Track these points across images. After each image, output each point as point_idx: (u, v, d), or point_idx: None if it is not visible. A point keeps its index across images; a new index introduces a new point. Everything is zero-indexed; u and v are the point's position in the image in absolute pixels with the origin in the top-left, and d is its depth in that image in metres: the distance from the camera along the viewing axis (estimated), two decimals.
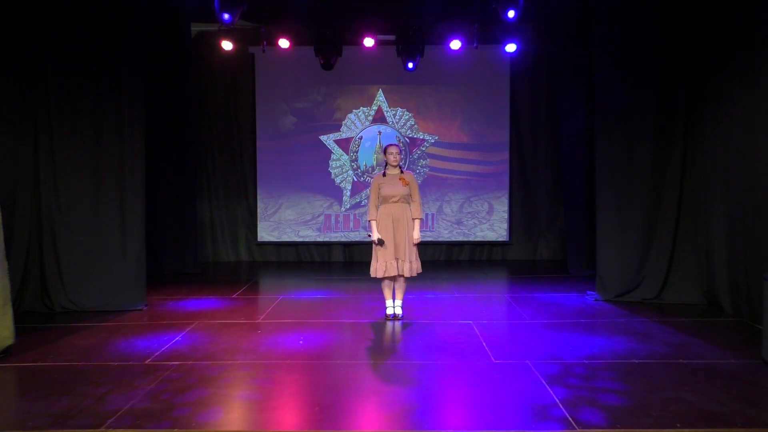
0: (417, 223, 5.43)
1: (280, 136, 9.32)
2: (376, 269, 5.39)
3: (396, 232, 5.36)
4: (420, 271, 5.47)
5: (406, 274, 5.39)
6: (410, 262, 5.37)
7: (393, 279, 5.52)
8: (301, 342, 4.84)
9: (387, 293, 5.58)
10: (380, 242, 5.34)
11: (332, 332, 5.14)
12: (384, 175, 5.48)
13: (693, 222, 6.13)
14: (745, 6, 5.26)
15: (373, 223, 5.42)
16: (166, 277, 7.89)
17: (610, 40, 6.19)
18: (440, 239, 9.37)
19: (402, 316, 5.55)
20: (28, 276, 5.87)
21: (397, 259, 5.36)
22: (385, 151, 5.52)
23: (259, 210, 9.38)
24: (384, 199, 5.42)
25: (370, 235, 5.45)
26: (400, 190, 5.39)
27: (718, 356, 4.37)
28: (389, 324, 5.41)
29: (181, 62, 8.26)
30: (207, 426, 3.25)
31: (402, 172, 5.49)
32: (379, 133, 9.34)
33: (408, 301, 5.98)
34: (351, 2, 7.75)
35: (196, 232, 8.79)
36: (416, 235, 5.42)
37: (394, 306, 5.58)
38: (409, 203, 5.46)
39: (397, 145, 5.51)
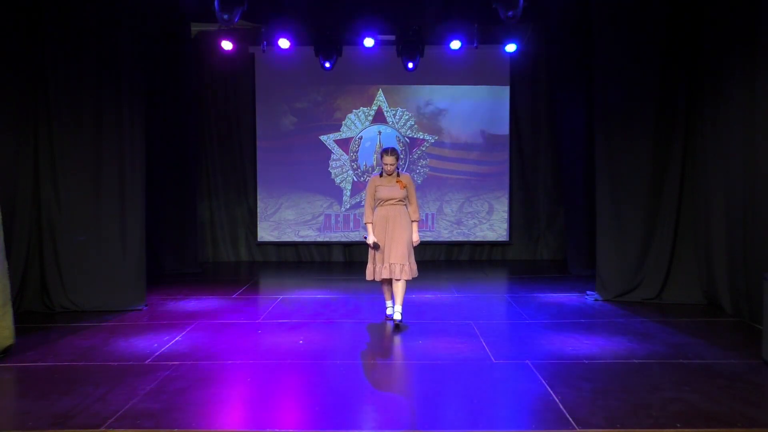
0: (416, 225, 5.39)
1: (280, 136, 9.31)
2: (373, 272, 5.34)
3: (392, 234, 5.25)
4: (416, 275, 5.31)
5: (402, 277, 5.23)
6: (407, 264, 5.22)
7: (391, 281, 5.44)
8: (301, 342, 4.84)
9: (387, 294, 5.54)
10: (375, 246, 5.30)
11: (332, 332, 5.14)
12: (381, 176, 5.39)
13: (693, 222, 6.13)
14: (746, 5, 5.26)
15: (369, 226, 5.34)
16: (166, 277, 7.88)
17: (610, 40, 6.18)
18: (440, 239, 9.36)
19: (401, 320, 5.38)
20: (28, 276, 5.86)
21: (393, 263, 5.21)
22: (381, 157, 5.35)
23: (259, 210, 9.37)
24: (380, 202, 5.32)
25: (366, 237, 5.40)
26: (397, 192, 5.28)
27: (718, 356, 4.37)
28: (389, 324, 5.40)
29: (181, 62, 8.26)
30: (207, 426, 3.25)
31: (399, 174, 5.37)
32: (379, 133, 9.33)
33: (408, 300, 5.94)
34: (351, 2, 7.75)
35: (196, 232, 8.78)
36: (416, 237, 5.37)
37: (393, 309, 5.46)
38: (406, 205, 5.37)
39: (392, 154, 5.27)
